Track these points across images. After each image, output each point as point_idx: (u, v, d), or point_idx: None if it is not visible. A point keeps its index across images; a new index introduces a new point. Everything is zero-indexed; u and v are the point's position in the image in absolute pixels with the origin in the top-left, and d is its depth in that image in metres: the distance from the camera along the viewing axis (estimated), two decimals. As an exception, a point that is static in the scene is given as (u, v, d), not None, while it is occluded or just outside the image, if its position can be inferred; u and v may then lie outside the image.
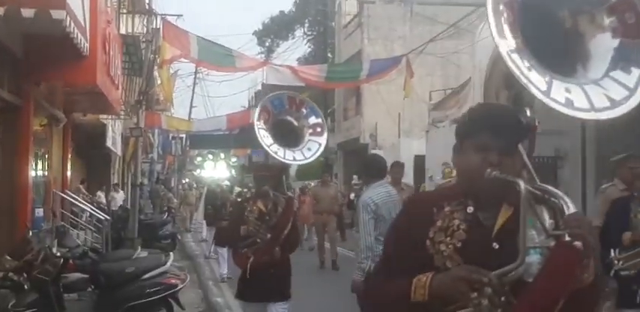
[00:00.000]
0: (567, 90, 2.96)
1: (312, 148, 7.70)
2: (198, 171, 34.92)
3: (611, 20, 3.03)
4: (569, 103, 2.96)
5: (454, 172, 10.13)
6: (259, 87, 42.88)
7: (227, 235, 6.65)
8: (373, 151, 22.25)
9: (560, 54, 3.10)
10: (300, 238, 10.77)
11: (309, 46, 39.10)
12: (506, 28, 3.08)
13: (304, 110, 7.93)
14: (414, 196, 2.36)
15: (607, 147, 14.45)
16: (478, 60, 15.32)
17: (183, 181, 39.33)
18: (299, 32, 39.88)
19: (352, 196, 14.31)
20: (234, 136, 29.59)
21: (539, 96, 2.98)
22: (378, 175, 5.41)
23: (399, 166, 8.59)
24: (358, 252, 5.05)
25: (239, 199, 11.42)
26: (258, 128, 7.37)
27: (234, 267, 8.93)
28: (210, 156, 29.79)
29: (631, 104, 2.97)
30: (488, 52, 14.78)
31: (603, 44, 3.01)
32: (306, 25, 39.84)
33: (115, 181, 21.17)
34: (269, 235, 5.82)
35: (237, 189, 14.16)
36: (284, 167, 7.10)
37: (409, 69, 16.05)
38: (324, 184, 13.91)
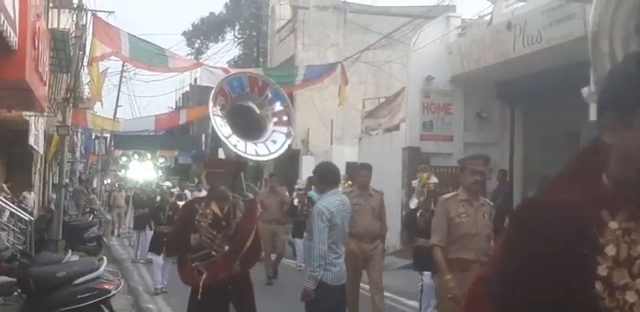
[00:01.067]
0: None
1: (278, 141, 6.29)
2: (122, 171, 33.97)
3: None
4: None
5: (433, 178, 9.60)
6: (187, 88, 42.37)
7: (172, 245, 5.45)
8: (305, 157, 22.26)
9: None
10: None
11: (240, 49, 38.82)
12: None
13: (268, 94, 6.44)
14: (531, 203, 1.40)
15: (534, 160, 14.99)
16: (412, 70, 15.55)
17: (106, 182, 38.30)
18: (229, 35, 39.55)
19: (295, 201, 12.74)
20: (161, 137, 29.05)
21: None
22: (333, 183, 5.37)
23: (366, 169, 7.71)
24: (311, 260, 4.93)
25: (179, 202, 10.54)
26: (214, 115, 5.94)
27: (172, 278, 8.39)
28: (136, 156, 28.80)
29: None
30: (422, 62, 15.10)
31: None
32: (237, 27, 39.53)
33: (34, 181, 20.36)
34: (227, 247, 4.94)
35: (172, 190, 13.33)
36: (242, 162, 5.82)
37: (344, 76, 16.15)
38: (272, 190, 12.24)
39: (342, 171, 16.73)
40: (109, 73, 24.25)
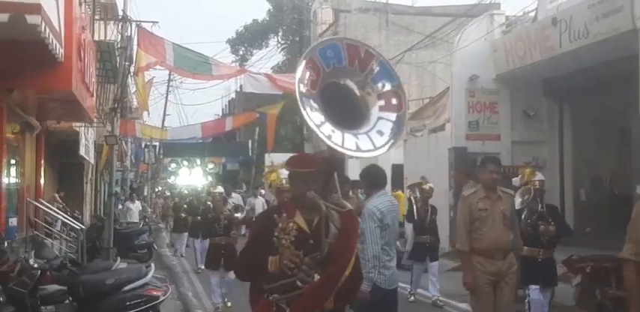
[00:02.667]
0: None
1: (385, 131, 4.55)
2: (172, 178, 34.38)
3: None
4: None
5: (538, 174, 8.20)
6: (233, 95, 42.82)
7: (244, 269, 3.88)
8: (351, 160, 22.17)
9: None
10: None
11: (284, 55, 39.02)
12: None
13: (373, 69, 4.63)
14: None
15: (585, 157, 14.65)
16: (456, 69, 15.38)
17: (157, 189, 38.91)
18: (273, 41, 39.82)
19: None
20: (208, 145, 29.37)
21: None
22: (380, 185, 5.37)
23: (494, 162, 6.18)
24: (365, 262, 4.86)
25: (237, 214, 9.57)
26: (301, 96, 4.16)
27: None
28: (186, 162, 29.11)
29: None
30: (466, 61, 14.93)
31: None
32: (280, 33, 39.77)
33: (86, 191, 20.81)
34: (317, 276, 3.60)
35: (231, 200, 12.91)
36: (336, 160, 4.28)
37: (387, 78, 16.03)
38: (345, 197, 10.84)
39: (389, 173, 16.65)
40: (155, 82, 24.69)
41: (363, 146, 4.26)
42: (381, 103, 4.45)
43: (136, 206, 19.87)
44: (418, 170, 14.28)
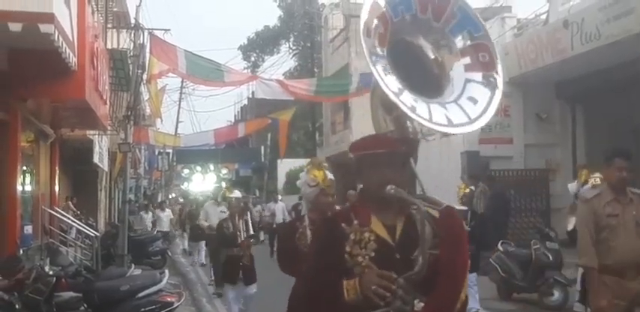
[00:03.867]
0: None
1: (479, 97, 3.37)
2: (185, 184, 34.40)
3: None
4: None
5: (596, 174, 7.36)
6: (245, 101, 42.97)
7: (309, 303, 2.80)
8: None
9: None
10: None
11: (295, 61, 39.15)
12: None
13: (452, 16, 3.39)
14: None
15: (598, 159, 14.55)
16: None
17: (170, 196, 39.04)
18: (284, 47, 39.97)
19: None
20: (222, 151, 29.45)
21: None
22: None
23: (623, 156, 4.94)
24: None
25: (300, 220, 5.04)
26: (371, 54, 3.09)
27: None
28: (199, 168, 29.03)
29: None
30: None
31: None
32: (292, 39, 39.91)
33: (100, 198, 20.89)
34: (420, 304, 2.56)
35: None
36: (412, 141, 3.15)
37: (398, 82, 16.04)
38: None
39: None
40: (168, 90, 24.84)
41: (455, 119, 3.15)
42: (466, 60, 3.34)
43: (166, 215, 19.27)
44: (430, 175, 14.25)
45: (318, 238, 2.91)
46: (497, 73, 3.28)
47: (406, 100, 2.93)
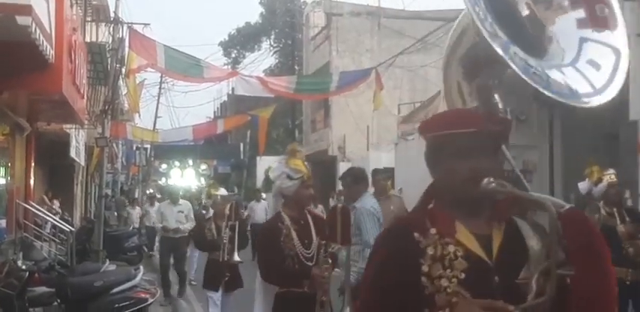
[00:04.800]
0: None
1: (601, 61, 2.42)
2: (163, 180, 34.23)
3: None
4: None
5: (610, 170, 6.86)
6: (225, 98, 42.80)
7: None
8: (342, 163, 22.22)
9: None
10: None
11: (276, 58, 39.08)
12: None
13: None
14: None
15: (574, 161, 14.68)
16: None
17: (148, 192, 38.77)
18: (265, 44, 39.89)
19: None
20: (200, 147, 29.31)
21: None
22: (365, 186, 5.49)
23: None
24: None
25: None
26: (473, 4, 2.20)
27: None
28: (177, 163, 28.83)
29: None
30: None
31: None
32: (273, 36, 39.84)
33: (76, 193, 20.71)
34: None
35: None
36: (505, 121, 2.18)
37: (379, 82, 16.11)
38: (383, 194, 8.12)
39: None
40: (147, 85, 24.65)
41: (578, 87, 2.38)
42: (579, 14, 2.51)
43: (137, 212, 19.37)
44: (410, 175, 14.30)
45: (380, 257, 1.98)
46: (619, 30, 2.51)
47: (518, 63, 2.19)
